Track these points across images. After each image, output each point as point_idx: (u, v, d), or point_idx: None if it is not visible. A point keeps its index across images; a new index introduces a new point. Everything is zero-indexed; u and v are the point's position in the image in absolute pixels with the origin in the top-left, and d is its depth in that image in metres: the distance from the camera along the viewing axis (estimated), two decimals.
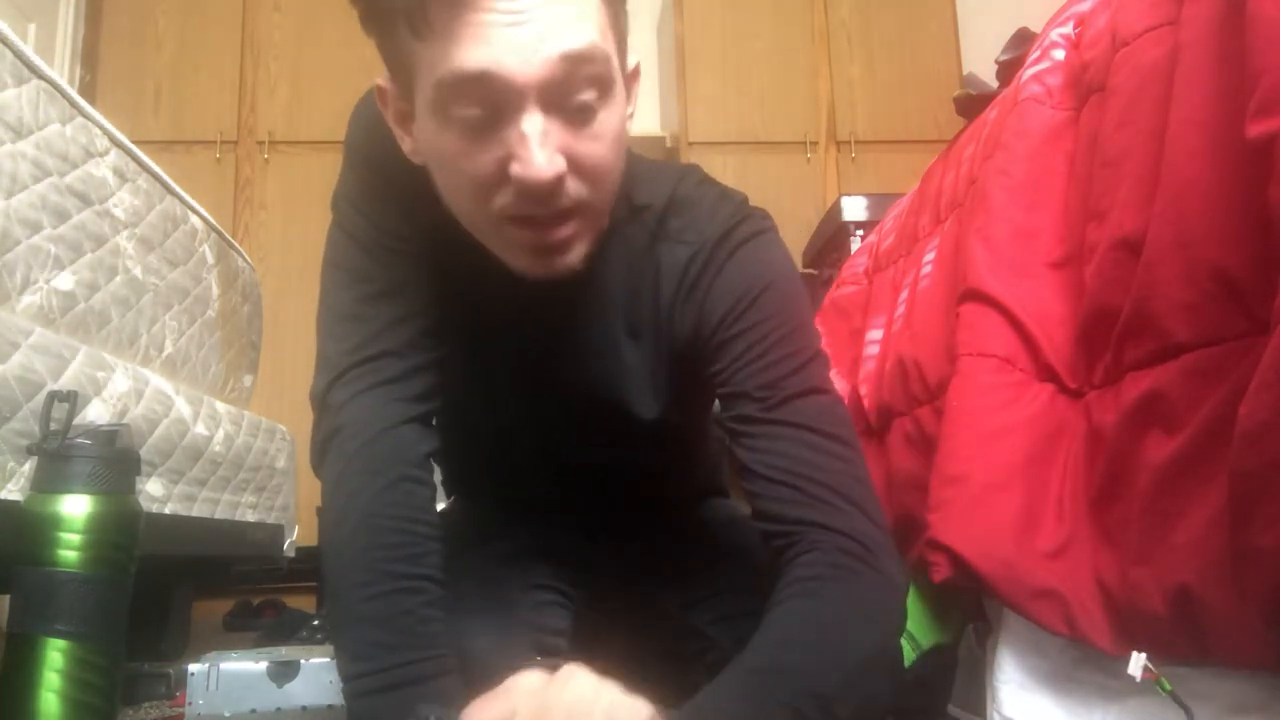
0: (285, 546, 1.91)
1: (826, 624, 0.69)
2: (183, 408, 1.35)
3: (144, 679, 1.30)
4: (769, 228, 0.83)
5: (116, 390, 1.17)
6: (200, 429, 1.41)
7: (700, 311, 0.80)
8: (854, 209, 2.54)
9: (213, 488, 1.48)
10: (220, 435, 1.49)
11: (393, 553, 0.73)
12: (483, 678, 0.74)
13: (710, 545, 0.99)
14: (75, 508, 0.76)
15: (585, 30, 0.65)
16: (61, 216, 1.14)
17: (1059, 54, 1.05)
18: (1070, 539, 0.83)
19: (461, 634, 0.76)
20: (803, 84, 3.38)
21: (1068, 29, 1.06)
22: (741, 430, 0.77)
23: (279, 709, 1.01)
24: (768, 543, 0.76)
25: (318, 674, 1.01)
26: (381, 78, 0.73)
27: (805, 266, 2.80)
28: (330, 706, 1.00)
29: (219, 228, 1.72)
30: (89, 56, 3.19)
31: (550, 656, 0.84)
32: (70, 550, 0.75)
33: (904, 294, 1.38)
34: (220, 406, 1.54)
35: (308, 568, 2.14)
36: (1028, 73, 1.08)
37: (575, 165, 0.68)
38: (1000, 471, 0.89)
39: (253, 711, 1.02)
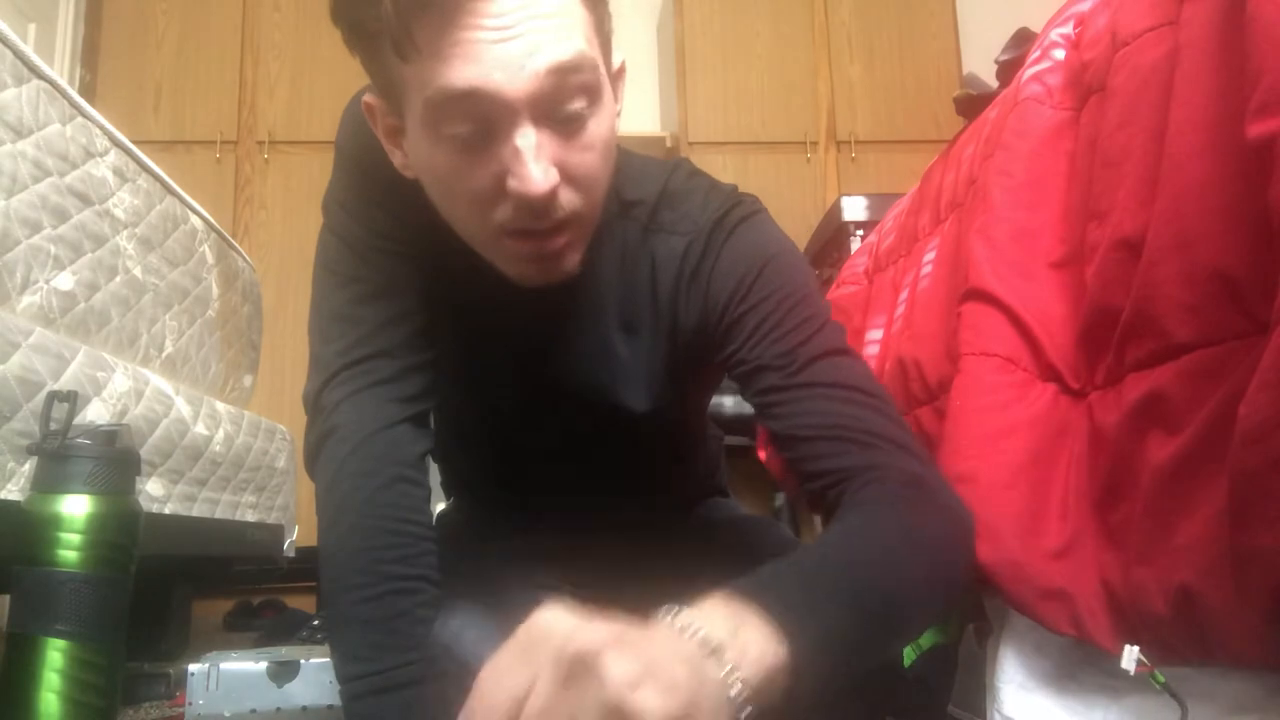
0: (285, 546, 1.91)
1: (893, 536, 0.67)
2: (183, 408, 1.35)
3: (144, 679, 1.30)
4: (761, 209, 0.84)
5: (116, 390, 1.17)
6: (200, 429, 1.41)
7: (705, 297, 0.80)
8: (854, 209, 2.54)
9: (213, 488, 1.48)
10: (220, 435, 1.49)
11: (388, 554, 0.73)
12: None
13: (710, 545, 0.99)
14: (75, 508, 0.76)
15: (573, 40, 0.65)
16: (61, 216, 1.14)
17: (1059, 54, 1.05)
18: (1075, 540, 0.83)
19: (459, 634, 0.76)
20: (803, 84, 3.38)
21: (1068, 29, 1.06)
22: (770, 401, 0.76)
23: (279, 709, 1.01)
24: (820, 501, 0.73)
25: (318, 674, 1.01)
26: (369, 93, 0.73)
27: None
28: (330, 706, 1.00)
29: (219, 228, 1.72)
30: (89, 56, 3.19)
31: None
32: (70, 550, 0.75)
33: (904, 294, 1.38)
34: (220, 406, 1.54)
35: (307, 568, 2.13)
36: (1028, 73, 1.08)
37: (568, 176, 0.68)
38: (1005, 471, 0.89)
39: (253, 711, 1.01)
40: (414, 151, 0.71)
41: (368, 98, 0.74)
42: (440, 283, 0.81)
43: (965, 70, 3.01)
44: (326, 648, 1.06)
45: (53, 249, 1.11)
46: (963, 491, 0.92)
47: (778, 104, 3.34)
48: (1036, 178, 1.00)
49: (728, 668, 0.47)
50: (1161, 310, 0.73)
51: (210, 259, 1.65)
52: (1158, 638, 0.73)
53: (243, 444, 1.60)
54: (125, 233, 1.31)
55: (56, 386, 1.01)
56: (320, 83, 3.24)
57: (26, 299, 1.06)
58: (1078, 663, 0.86)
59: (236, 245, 1.83)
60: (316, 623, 2.04)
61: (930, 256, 1.29)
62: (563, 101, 0.65)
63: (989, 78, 1.62)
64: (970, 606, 1.01)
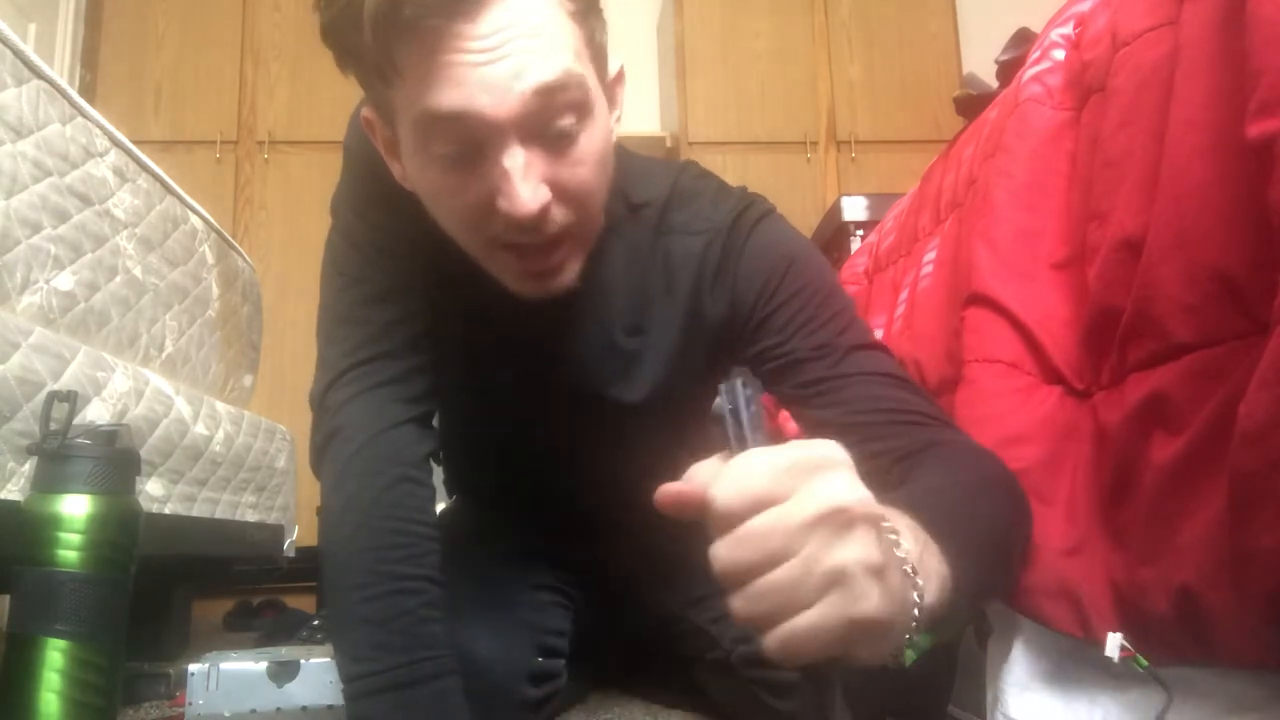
0: (285, 546, 1.91)
1: (980, 478, 0.68)
2: (183, 408, 1.35)
3: (144, 679, 1.30)
4: (773, 208, 0.85)
5: (116, 390, 1.16)
6: (200, 429, 1.41)
7: (732, 295, 0.80)
8: (854, 209, 2.54)
9: (213, 488, 1.48)
10: (220, 435, 1.49)
11: (391, 554, 0.73)
12: (484, 678, 0.74)
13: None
14: (75, 508, 0.76)
15: (559, 58, 0.64)
16: (61, 216, 1.14)
17: (1059, 54, 1.05)
18: (1082, 541, 0.83)
19: (462, 634, 0.76)
20: (803, 84, 3.38)
21: (1068, 29, 1.06)
22: (814, 392, 0.77)
23: (279, 709, 1.01)
24: (886, 475, 0.73)
25: (318, 674, 1.01)
26: (366, 107, 0.73)
27: None
28: (330, 706, 1.00)
29: (219, 228, 1.72)
30: (89, 56, 3.19)
31: (551, 656, 0.84)
32: (70, 550, 0.75)
33: (904, 294, 1.38)
34: (220, 406, 1.54)
35: (308, 568, 2.13)
36: (1028, 73, 1.08)
37: (560, 192, 0.68)
38: (1016, 476, 0.89)
39: (253, 711, 1.01)
40: (409, 166, 0.71)
41: (366, 112, 0.74)
42: (446, 284, 0.81)
43: (965, 70, 3.01)
44: (326, 648, 1.06)
45: (53, 249, 1.11)
46: None
47: (778, 104, 3.34)
48: (1037, 178, 1.00)
49: (918, 590, 0.47)
50: (1162, 310, 0.73)
51: (210, 259, 1.65)
52: (1161, 638, 0.73)
53: (243, 444, 1.60)
54: (125, 233, 1.31)
55: (56, 386, 1.01)
56: (320, 83, 3.24)
57: (26, 299, 1.06)
58: (1078, 663, 0.86)
59: (236, 245, 1.83)
60: (316, 623, 2.03)
61: (930, 256, 1.29)
62: (551, 120, 0.65)
63: (989, 78, 1.62)
64: None
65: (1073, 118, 0.99)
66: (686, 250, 0.81)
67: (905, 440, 0.72)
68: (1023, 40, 1.42)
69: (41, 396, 0.89)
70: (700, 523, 0.43)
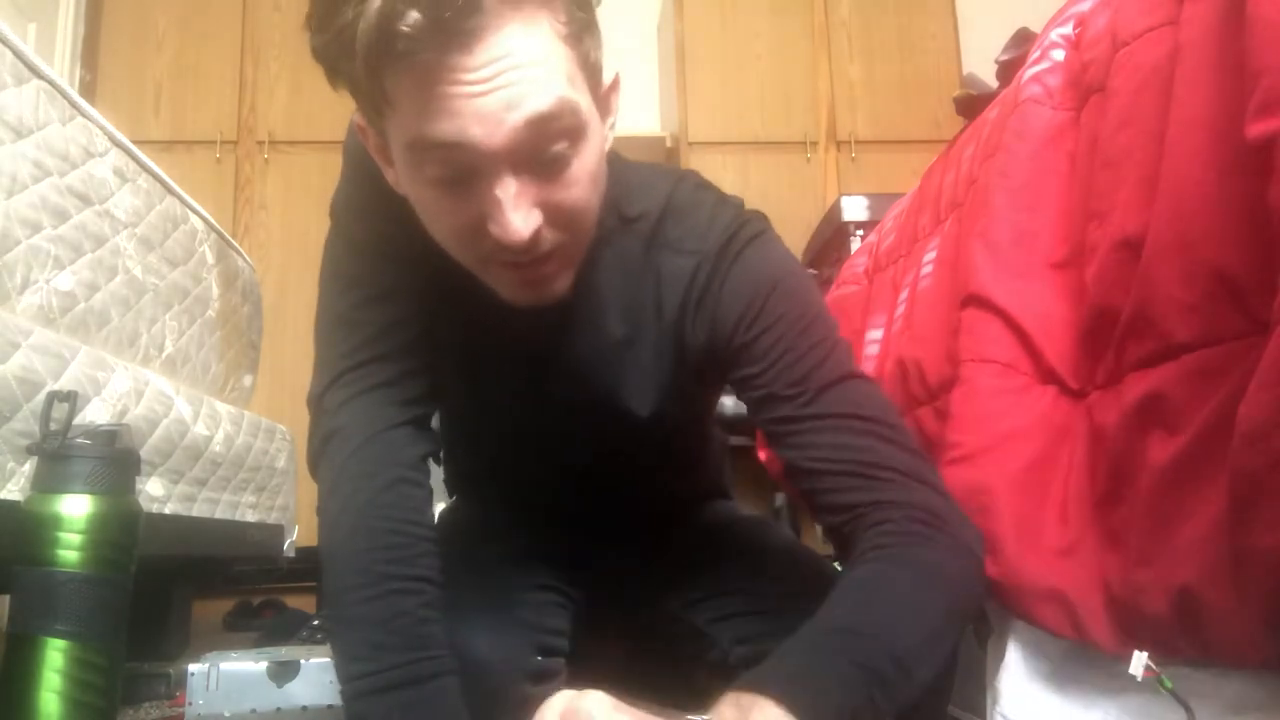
0: (285, 546, 1.91)
1: (905, 585, 0.67)
2: (183, 408, 1.35)
3: (144, 679, 1.30)
4: (767, 228, 0.83)
5: (116, 390, 1.16)
6: (200, 429, 1.41)
7: (713, 320, 0.79)
8: (854, 209, 2.54)
9: (213, 488, 1.48)
10: (220, 435, 1.49)
11: (389, 554, 0.73)
12: (483, 678, 0.74)
13: (711, 546, 0.99)
14: (75, 508, 0.76)
15: (552, 87, 0.64)
16: (61, 216, 1.14)
17: (1059, 54, 1.05)
18: (1076, 542, 0.83)
19: (461, 634, 0.76)
20: (803, 84, 3.38)
21: (1068, 29, 1.06)
22: (783, 431, 0.76)
23: (279, 709, 1.01)
24: (834, 535, 0.74)
25: (318, 674, 1.01)
26: (357, 114, 0.73)
27: (805, 266, 2.80)
28: (330, 706, 1.00)
29: (219, 228, 1.72)
30: (89, 56, 3.19)
31: (551, 656, 0.84)
32: (70, 550, 0.75)
33: (904, 294, 1.38)
34: (220, 406, 1.54)
35: (308, 568, 2.14)
36: (1028, 73, 1.08)
37: (551, 214, 0.68)
38: (1007, 478, 0.89)
39: (253, 711, 1.01)
40: (401, 178, 0.71)
41: (358, 119, 0.74)
42: (444, 287, 0.81)
43: (965, 70, 3.01)
44: (326, 648, 1.06)
45: (53, 249, 1.11)
46: (968, 501, 0.92)
47: (778, 104, 3.34)
48: (1037, 178, 1.00)
49: None
50: (1162, 310, 0.73)
51: (210, 259, 1.65)
52: (1159, 639, 0.73)
53: (243, 444, 1.60)
54: (125, 233, 1.31)
55: (56, 386, 1.01)
56: (320, 83, 3.14)
57: (26, 299, 1.06)
58: (1078, 663, 0.86)
59: (236, 245, 1.83)
60: (316, 623, 2.04)
61: (930, 256, 1.29)
62: (544, 148, 0.65)
63: (989, 78, 1.62)
64: None
65: (1072, 118, 0.99)
66: (677, 270, 0.81)
67: (857, 497, 0.72)
68: (1023, 40, 1.42)
69: (41, 396, 0.89)
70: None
